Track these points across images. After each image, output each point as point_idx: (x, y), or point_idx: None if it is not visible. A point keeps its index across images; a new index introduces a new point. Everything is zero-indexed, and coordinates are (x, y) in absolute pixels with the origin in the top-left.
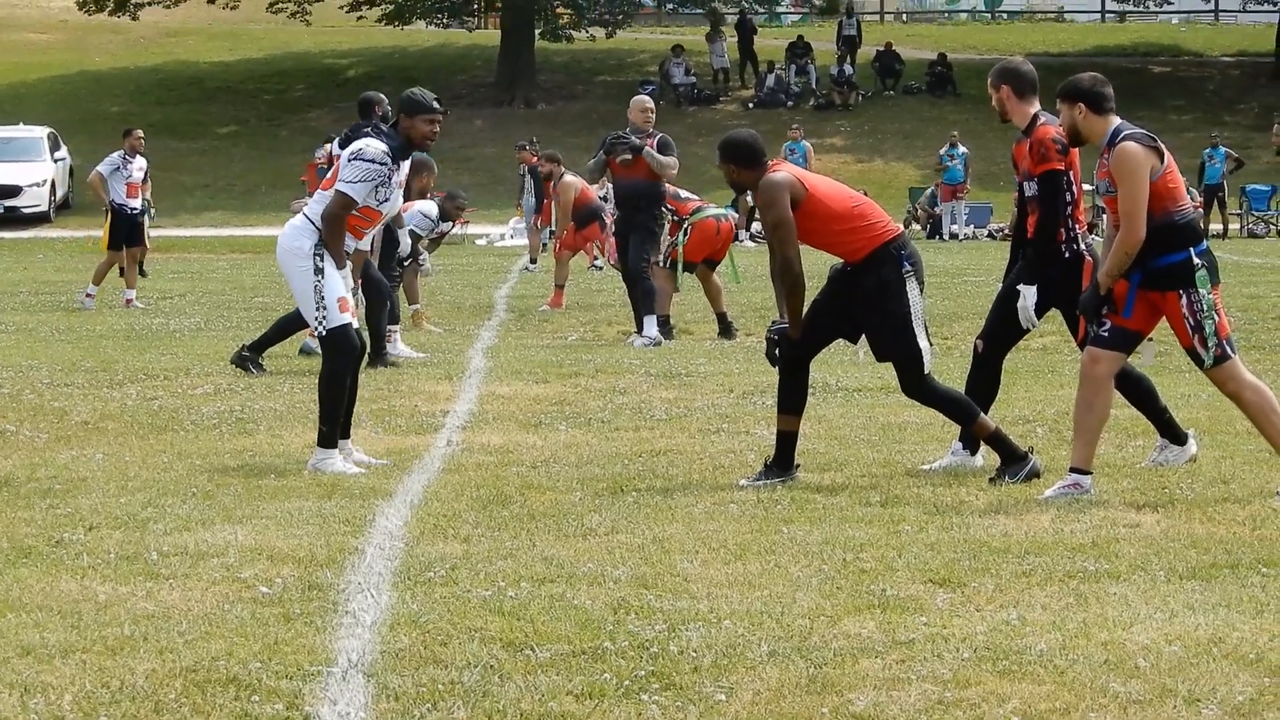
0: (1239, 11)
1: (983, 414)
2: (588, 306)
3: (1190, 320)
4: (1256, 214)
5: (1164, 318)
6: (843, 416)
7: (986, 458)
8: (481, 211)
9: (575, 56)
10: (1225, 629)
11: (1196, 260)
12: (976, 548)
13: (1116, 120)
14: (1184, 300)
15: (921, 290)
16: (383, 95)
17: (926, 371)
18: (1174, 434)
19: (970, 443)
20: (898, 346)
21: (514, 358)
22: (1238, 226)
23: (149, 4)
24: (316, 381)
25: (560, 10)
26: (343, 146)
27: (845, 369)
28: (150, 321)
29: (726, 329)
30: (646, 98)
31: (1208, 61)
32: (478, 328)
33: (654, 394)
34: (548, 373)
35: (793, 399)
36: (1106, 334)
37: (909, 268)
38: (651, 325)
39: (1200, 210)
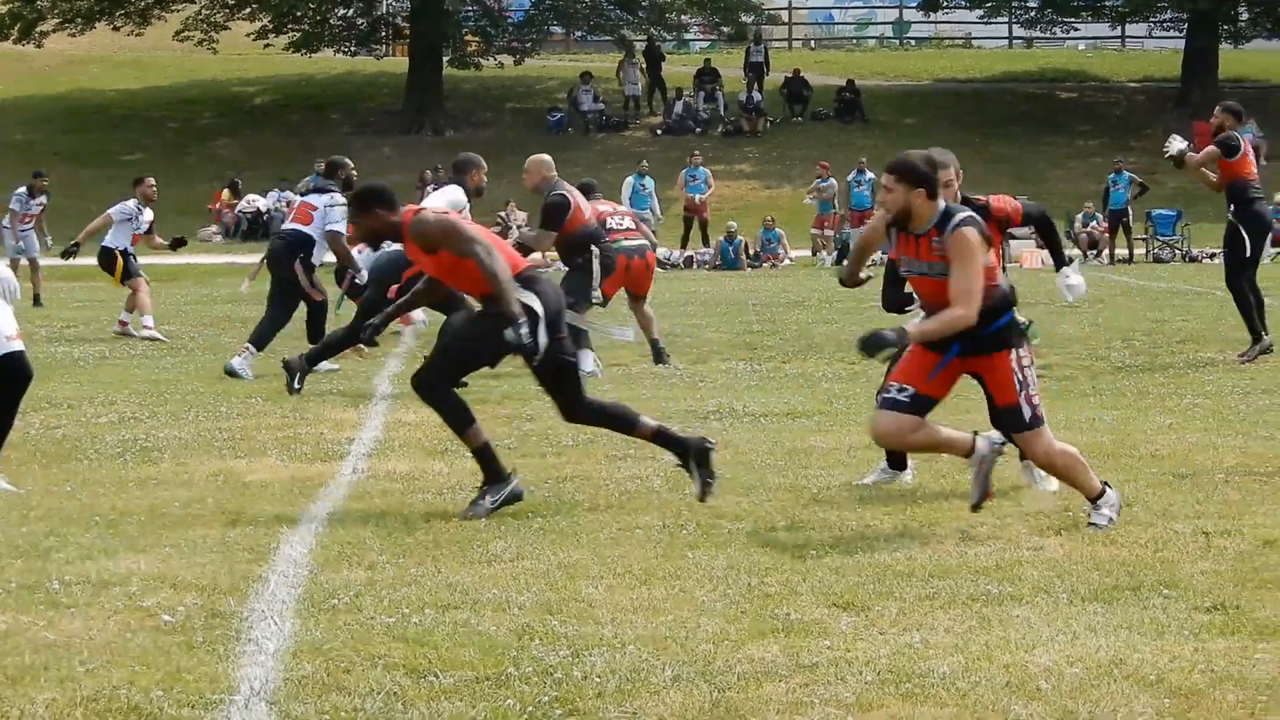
0: (1145, 38)
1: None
2: None
3: (1019, 376)
4: (1161, 239)
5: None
6: (749, 441)
7: (916, 473)
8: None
9: (484, 84)
10: (1127, 651)
11: (1021, 320)
12: (881, 571)
13: (943, 203)
14: (1014, 356)
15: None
16: (348, 160)
17: None
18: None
19: (898, 462)
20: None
21: None
22: (1143, 251)
23: (54, 31)
24: (218, 410)
25: (469, 38)
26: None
27: (752, 394)
28: (54, 350)
29: (659, 355)
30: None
31: (1114, 87)
32: (384, 355)
33: (560, 422)
34: None
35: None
36: (908, 400)
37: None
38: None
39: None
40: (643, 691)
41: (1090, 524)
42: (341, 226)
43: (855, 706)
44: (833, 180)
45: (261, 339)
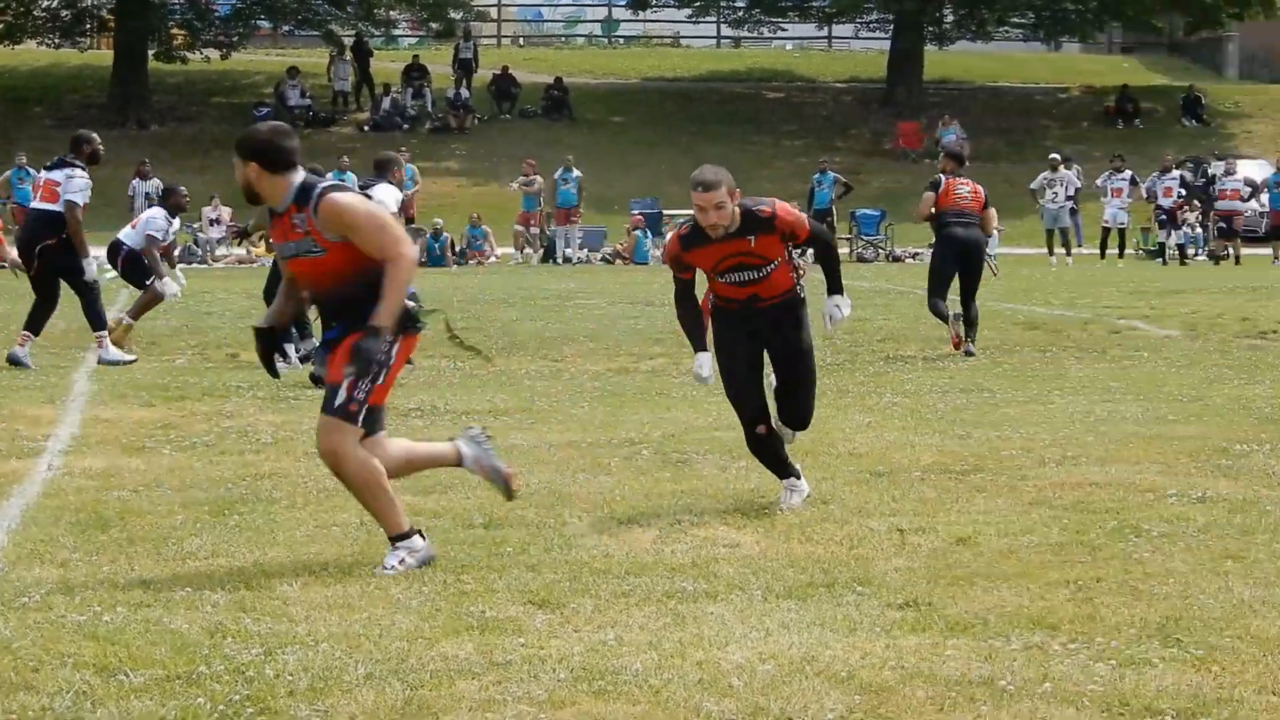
0: (852, 39)
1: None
2: (196, 330)
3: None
4: (866, 239)
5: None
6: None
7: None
8: (92, 233)
9: (190, 78)
10: (819, 647)
11: (415, 306)
12: (577, 569)
13: (301, 175)
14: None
15: None
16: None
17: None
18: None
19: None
20: None
21: (119, 380)
22: (847, 250)
23: None
24: None
25: (175, 31)
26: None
27: (455, 391)
28: None
29: None
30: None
31: (820, 87)
32: (82, 350)
33: (261, 418)
34: (153, 396)
35: None
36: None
37: None
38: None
39: None
40: (335, 690)
41: (381, 567)
42: (79, 198)
43: (548, 704)
44: (538, 177)
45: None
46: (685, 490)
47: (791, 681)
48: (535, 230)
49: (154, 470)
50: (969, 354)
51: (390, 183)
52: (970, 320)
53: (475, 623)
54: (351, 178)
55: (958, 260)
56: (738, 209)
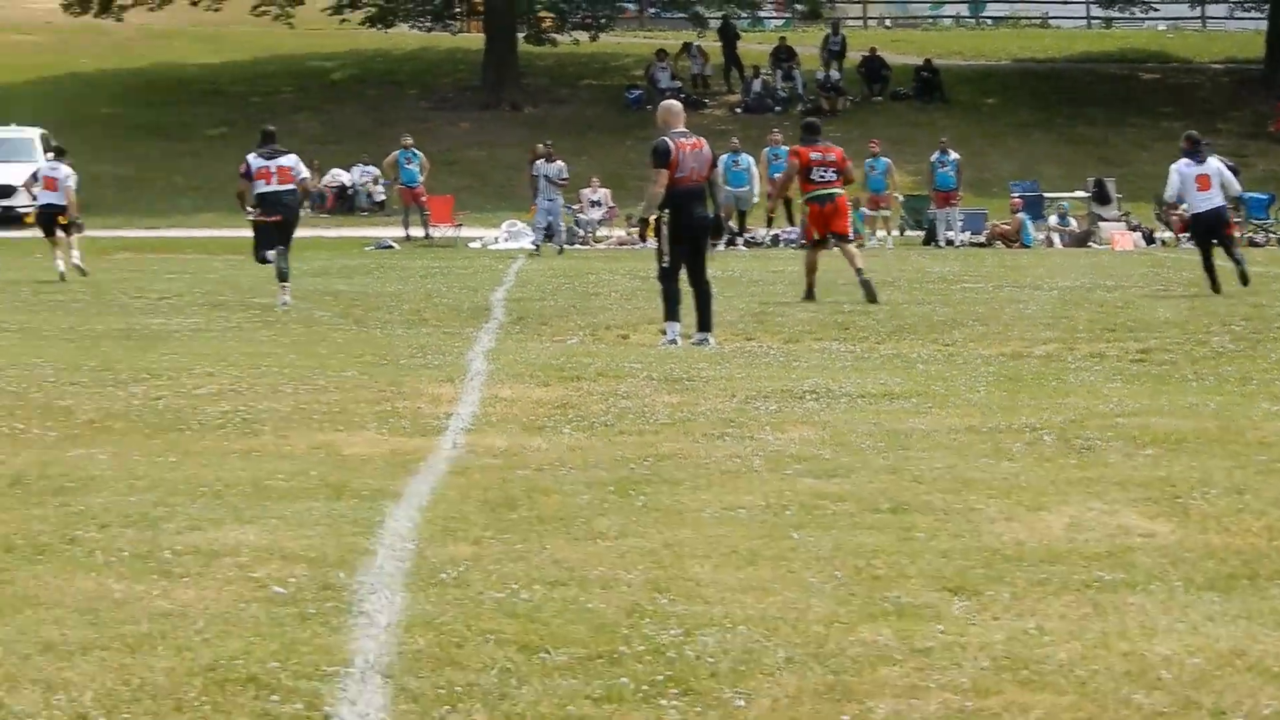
0: (1226, 19)
1: None
2: (585, 310)
3: None
4: (1256, 222)
5: None
6: (847, 422)
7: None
8: (473, 214)
9: (560, 60)
10: (1247, 641)
11: None
12: (989, 556)
13: None
14: None
15: None
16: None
17: None
18: None
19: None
20: None
21: (514, 361)
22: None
23: (133, 5)
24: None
25: (542, 14)
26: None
27: (847, 374)
28: (149, 321)
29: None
30: (675, 102)
31: (1196, 68)
32: (477, 330)
33: (657, 398)
34: (549, 376)
35: None
36: None
37: None
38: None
39: None
40: (756, 672)
41: None
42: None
43: (972, 692)
44: (886, 159)
45: None
46: (1092, 478)
47: (1222, 676)
48: (886, 212)
49: (556, 449)
50: None
51: None
52: None
53: (891, 608)
54: (746, 159)
55: None
56: None
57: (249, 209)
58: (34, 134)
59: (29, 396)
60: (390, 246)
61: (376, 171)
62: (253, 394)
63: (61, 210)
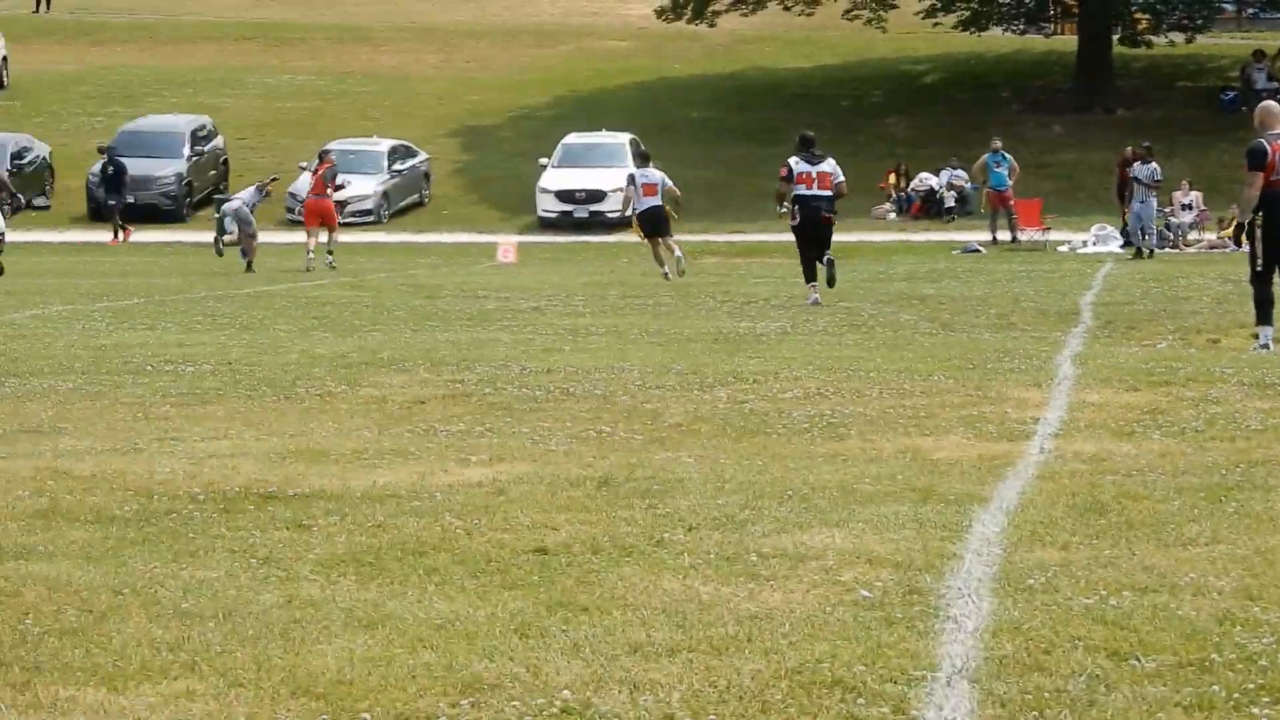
0: None
1: None
2: (1175, 314)
3: None
4: None
5: None
6: None
7: None
8: (1061, 218)
9: (1154, 62)
10: None
11: None
12: None
13: None
14: None
15: None
16: None
17: None
18: None
19: None
20: None
21: (1102, 365)
22: None
23: (726, 11)
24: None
25: (1138, 16)
26: None
27: None
28: (736, 325)
29: None
30: (1273, 104)
31: None
32: (1064, 334)
33: (1248, 404)
34: (1138, 380)
35: None
36: None
37: None
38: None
39: None
40: None
41: None
42: None
43: None
44: None
45: None
46: None
47: None
48: None
49: (1144, 455)
50: None
51: None
52: None
53: None
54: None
55: None
56: None
57: (781, 207)
58: (624, 139)
59: (616, 399)
60: (977, 250)
61: (965, 175)
62: (838, 398)
63: (661, 212)
